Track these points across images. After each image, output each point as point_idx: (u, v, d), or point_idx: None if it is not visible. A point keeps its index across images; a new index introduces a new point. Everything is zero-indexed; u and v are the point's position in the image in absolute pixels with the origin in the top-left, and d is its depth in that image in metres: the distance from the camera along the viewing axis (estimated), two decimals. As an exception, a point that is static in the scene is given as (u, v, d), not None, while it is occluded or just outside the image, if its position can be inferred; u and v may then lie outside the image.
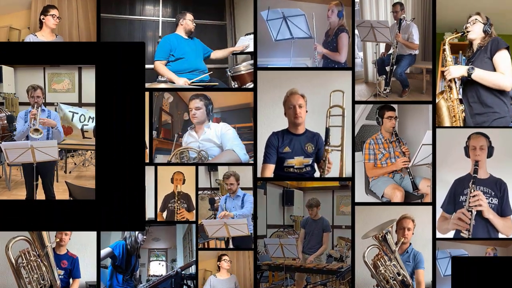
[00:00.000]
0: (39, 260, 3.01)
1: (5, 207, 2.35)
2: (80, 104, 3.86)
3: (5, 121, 3.68)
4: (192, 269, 3.40)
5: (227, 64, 3.71)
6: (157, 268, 3.46)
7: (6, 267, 3.05)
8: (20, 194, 3.56)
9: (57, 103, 3.77)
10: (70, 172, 3.87)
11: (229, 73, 3.52)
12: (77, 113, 3.76)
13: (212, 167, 3.45)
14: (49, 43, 3.36)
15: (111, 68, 2.24)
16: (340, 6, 3.38)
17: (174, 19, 3.57)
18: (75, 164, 3.93)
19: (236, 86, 3.48)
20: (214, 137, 3.36)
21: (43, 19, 3.44)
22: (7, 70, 3.80)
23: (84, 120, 3.74)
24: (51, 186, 3.53)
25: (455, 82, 3.29)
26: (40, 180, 3.48)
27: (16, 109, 3.82)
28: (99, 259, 3.33)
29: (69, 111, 3.74)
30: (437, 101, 3.33)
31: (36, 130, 3.43)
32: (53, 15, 3.43)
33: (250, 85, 3.41)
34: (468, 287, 2.72)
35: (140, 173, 2.28)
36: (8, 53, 2.33)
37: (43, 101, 3.57)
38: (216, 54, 3.62)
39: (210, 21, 3.71)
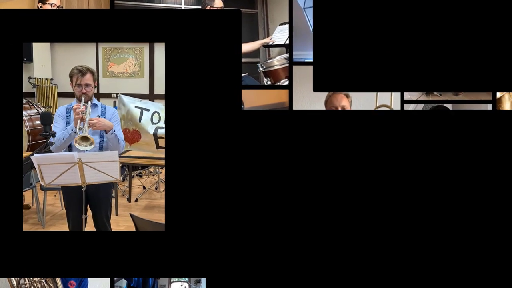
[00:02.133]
0: (43, 281, 2.71)
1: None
2: (152, 96, 2.93)
3: (38, 121, 2.67)
4: (219, 292, 3.06)
5: (258, 58, 3.43)
6: (179, 291, 3.13)
7: (6, 289, 2.71)
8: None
9: (117, 94, 2.79)
10: (136, 201, 2.84)
11: (261, 68, 3.27)
12: (148, 110, 2.56)
13: (241, 175, 3.13)
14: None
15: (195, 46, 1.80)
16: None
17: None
18: (144, 188, 2.93)
19: (269, 83, 3.24)
20: (245, 141, 3.05)
21: (40, 7, 3.07)
22: (40, 45, 2.80)
23: (159, 121, 2.55)
24: (107, 221, 2.46)
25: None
26: (90, 213, 2.46)
27: (54, 102, 2.85)
28: (113, 280, 3.00)
29: (136, 107, 2.55)
30: (499, 95, 3.02)
31: (85, 139, 2.33)
32: (52, 4, 3.04)
33: (285, 82, 3.17)
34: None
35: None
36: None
37: (95, 91, 2.49)
38: (244, 47, 3.32)
39: (239, 9, 3.39)
